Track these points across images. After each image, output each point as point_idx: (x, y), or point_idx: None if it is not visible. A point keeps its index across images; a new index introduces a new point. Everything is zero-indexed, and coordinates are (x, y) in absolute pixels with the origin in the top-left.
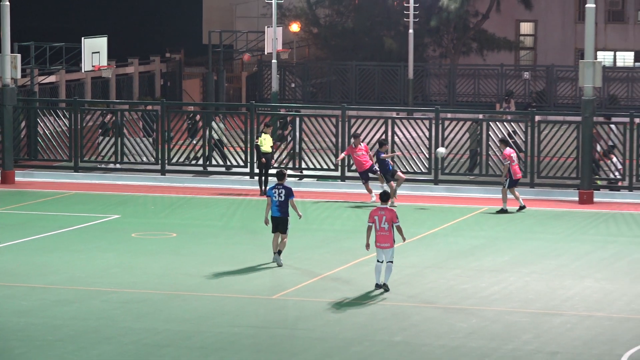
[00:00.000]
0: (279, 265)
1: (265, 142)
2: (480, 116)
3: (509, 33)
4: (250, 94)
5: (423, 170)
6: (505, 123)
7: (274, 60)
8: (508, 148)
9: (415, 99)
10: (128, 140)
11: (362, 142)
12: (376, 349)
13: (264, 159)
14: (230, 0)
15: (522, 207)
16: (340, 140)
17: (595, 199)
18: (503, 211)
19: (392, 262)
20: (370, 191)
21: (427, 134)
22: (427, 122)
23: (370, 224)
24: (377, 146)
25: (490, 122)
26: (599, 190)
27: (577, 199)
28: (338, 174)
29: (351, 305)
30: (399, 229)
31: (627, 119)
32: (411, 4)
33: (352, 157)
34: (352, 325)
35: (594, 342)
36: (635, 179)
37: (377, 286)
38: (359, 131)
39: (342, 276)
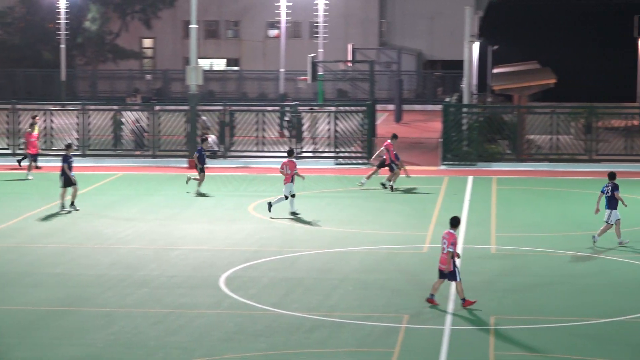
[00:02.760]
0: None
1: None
2: (116, 107)
3: (135, 46)
4: None
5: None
6: (134, 112)
7: None
8: (389, 141)
9: (67, 95)
10: None
11: (34, 131)
12: (42, 278)
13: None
14: None
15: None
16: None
17: None
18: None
19: (294, 195)
20: (28, 169)
21: (76, 121)
22: (75, 112)
23: (281, 170)
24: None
25: (123, 112)
26: None
27: (187, 165)
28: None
29: (22, 248)
30: (297, 174)
31: (222, 107)
32: (62, 26)
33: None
34: (24, 262)
35: (200, 268)
36: (228, 151)
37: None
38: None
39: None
